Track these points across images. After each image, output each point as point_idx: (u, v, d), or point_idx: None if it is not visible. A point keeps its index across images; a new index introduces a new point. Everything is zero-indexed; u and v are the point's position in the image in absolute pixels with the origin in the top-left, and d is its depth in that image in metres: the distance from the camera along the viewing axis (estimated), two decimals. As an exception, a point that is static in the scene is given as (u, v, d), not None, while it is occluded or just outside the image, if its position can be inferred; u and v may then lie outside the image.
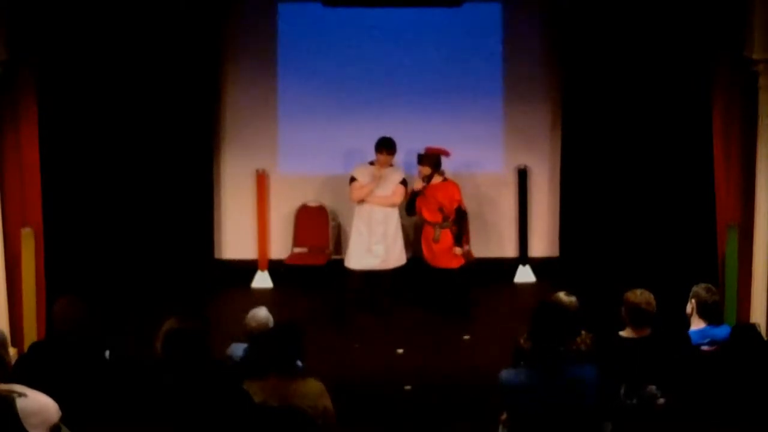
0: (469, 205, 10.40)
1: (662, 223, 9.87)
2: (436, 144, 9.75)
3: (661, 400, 5.75)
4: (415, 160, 9.82)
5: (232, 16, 10.63)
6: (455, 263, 9.64)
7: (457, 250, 9.61)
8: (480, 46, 10.72)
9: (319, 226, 10.78)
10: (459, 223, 9.68)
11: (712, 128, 8.93)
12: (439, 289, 9.76)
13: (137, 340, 6.64)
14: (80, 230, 9.61)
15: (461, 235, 9.67)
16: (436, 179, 9.67)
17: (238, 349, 6.52)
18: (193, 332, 5.45)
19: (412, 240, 10.35)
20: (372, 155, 9.68)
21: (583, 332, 6.11)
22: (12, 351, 5.93)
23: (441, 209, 9.59)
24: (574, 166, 10.43)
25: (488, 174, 10.90)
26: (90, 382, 5.57)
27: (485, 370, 7.23)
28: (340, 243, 10.82)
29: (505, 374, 5.03)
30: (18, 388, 4.47)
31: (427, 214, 9.68)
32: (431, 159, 9.63)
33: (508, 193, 10.92)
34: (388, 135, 9.62)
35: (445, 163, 9.73)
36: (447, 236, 9.62)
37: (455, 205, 9.60)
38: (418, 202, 9.69)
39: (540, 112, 10.79)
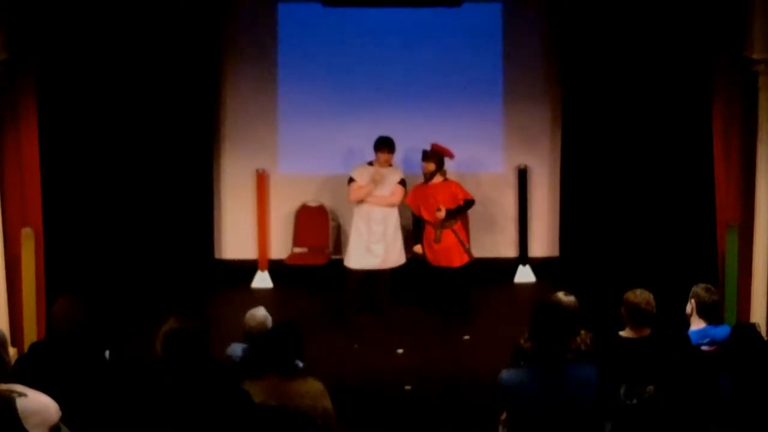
0: (469, 205, 10.41)
1: (662, 222, 9.88)
2: (440, 143, 9.75)
3: (660, 401, 5.76)
4: (414, 159, 9.82)
5: (232, 16, 10.63)
6: (457, 262, 9.64)
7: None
8: (480, 46, 10.71)
9: (319, 226, 10.78)
10: (463, 211, 9.67)
11: (712, 128, 8.94)
12: (439, 288, 9.76)
13: (137, 340, 6.63)
14: (80, 230, 9.62)
15: (456, 215, 9.62)
16: (437, 179, 9.67)
17: (237, 349, 6.53)
18: (193, 332, 5.45)
19: (412, 241, 10.34)
20: (371, 155, 9.68)
21: (583, 332, 6.11)
22: (12, 351, 5.93)
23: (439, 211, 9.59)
24: (574, 166, 10.44)
25: (488, 174, 10.89)
26: (90, 382, 5.56)
27: (485, 370, 7.23)
28: (339, 243, 10.82)
29: (505, 374, 5.03)
30: (18, 388, 4.47)
31: (427, 215, 9.68)
32: (436, 156, 9.63)
33: (508, 193, 10.92)
34: (387, 135, 9.62)
35: (446, 163, 9.73)
36: (448, 236, 9.62)
37: (461, 201, 9.60)
38: (418, 203, 9.68)
39: (540, 112, 10.79)
